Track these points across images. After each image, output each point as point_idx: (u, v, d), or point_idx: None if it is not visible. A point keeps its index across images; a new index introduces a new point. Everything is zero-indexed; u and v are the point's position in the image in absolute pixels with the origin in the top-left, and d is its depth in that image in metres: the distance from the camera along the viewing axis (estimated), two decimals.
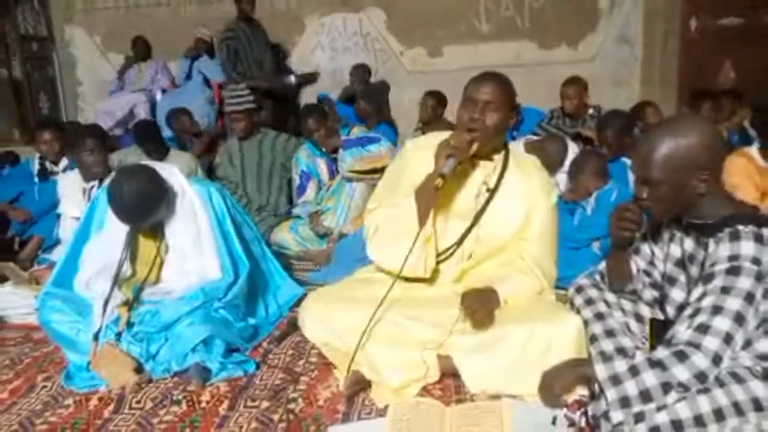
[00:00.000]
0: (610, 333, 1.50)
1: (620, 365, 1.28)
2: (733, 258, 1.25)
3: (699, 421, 1.20)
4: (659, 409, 1.21)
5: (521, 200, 1.71)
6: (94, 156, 2.53)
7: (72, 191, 2.61)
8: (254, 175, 3.35)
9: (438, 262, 1.72)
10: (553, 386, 1.44)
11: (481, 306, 1.57)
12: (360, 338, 1.58)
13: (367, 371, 1.60)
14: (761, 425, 1.21)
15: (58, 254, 2.58)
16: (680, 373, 1.22)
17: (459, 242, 1.71)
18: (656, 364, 1.24)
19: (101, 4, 5.79)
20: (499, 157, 1.74)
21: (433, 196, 1.59)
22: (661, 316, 1.54)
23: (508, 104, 1.67)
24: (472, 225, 1.70)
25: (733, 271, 1.24)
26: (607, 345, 1.48)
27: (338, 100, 5.07)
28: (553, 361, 1.50)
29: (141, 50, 5.38)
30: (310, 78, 4.68)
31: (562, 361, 1.47)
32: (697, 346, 1.22)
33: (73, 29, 5.89)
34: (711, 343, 1.22)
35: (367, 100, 4.00)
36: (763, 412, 1.22)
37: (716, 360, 1.22)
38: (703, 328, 1.23)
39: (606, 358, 1.37)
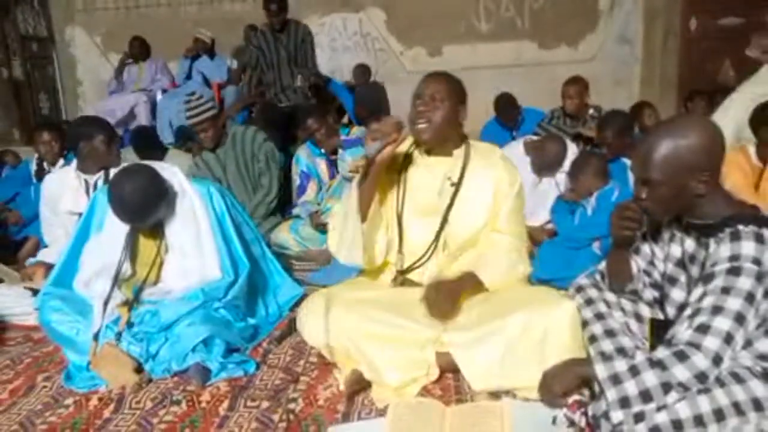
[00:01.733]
0: (610, 333, 1.50)
1: (620, 365, 1.28)
2: (733, 258, 1.25)
3: (699, 421, 1.20)
4: (659, 409, 1.21)
5: (487, 190, 1.74)
6: (105, 144, 2.45)
7: (66, 187, 2.50)
8: (240, 179, 3.24)
9: (419, 261, 1.76)
10: (553, 386, 1.44)
11: (438, 297, 1.61)
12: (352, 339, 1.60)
13: (366, 371, 1.61)
14: (761, 425, 1.21)
15: (44, 255, 2.57)
16: (680, 373, 1.21)
17: (435, 240, 1.73)
18: (656, 364, 1.24)
19: (101, 5, 5.80)
20: (459, 152, 1.77)
21: (367, 181, 1.64)
22: (661, 316, 1.54)
23: (454, 96, 1.70)
24: (444, 220, 1.72)
25: (734, 271, 1.24)
26: (607, 345, 1.48)
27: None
28: (550, 348, 1.51)
29: (138, 50, 5.38)
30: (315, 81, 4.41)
31: (562, 361, 1.47)
32: (697, 347, 1.22)
33: (73, 29, 5.90)
34: (711, 343, 1.22)
35: (361, 104, 3.98)
36: (763, 412, 1.22)
37: (716, 360, 1.21)
38: (704, 329, 1.23)
39: (606, 357, 1.37)
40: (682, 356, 1.23)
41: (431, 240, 1.74)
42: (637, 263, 1.55)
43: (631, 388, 1.24)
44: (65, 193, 2.49)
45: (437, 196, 1.74)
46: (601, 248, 2.36)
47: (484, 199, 1.74)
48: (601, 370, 1.29)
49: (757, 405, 1.22)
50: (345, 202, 1.74)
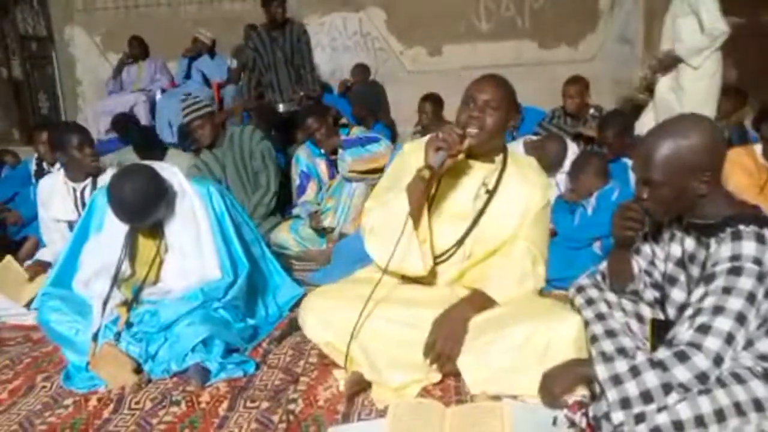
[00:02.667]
0: (610, 333, 1.50)
1: (621, 366, 1.28)
2: (734, 258, 1.25)
3: (700, 421, 1.20)
4: (660, 409, 1.21)
5: (519, 201, 1.71)
6: (87, 151, 2.41)
7: (55, 194, 2.46)
8: (239, 179, 3.23)
9: (438, 263, 1.72)
10: (553, 387, 1.43)
11: (444, 339, 1.57)
12: (351, 335, 1.58)
13: (367, 372, 1.60)
14: (762, 426, 1.21)
15: (43, 255, 2.58)
16: (681, 373, 1.21)
17: (459, 243, 1.71)
18: (657, 365, 1.24)
19: (101, 4, 5.80)
20: (498, 159, 1.75)
21: (422, 189, 1.60)
22: (662, 317, 1.53)
23: (508, 104, 1.67)
24: (472, 226, 1.70)
25: (735, 271, 1.24)
26: (608, 345, 1.48)
27: (337, 95, 5.05)
28: (552, 360, 1.49)
29: (137, 50, 5.37)
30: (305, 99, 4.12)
31: (562, 362, 1.46)
32: (698, 347, 1.22)
33: (72, 29, 5.89)
34: (712, 343, 1.21)
35: (359, 103, 3.96)
36: (764, 413, 1.22)
37: (717, 360, 1.21)
38: (705, 329, 1.23)
39: (607, 358, 1.37)
40: (683, 357, 1.22)
41: (454, 242, 1.71)
42: (638, 263, 1.54)
43: (632, 388, 1.23)
44: (55, 199, 2.45)
45: (472, 200, 1.71)
46: (601, 248, 2.36)
47: (515, 210, 1.71)
48: (601, 371, 1.28)
49: (758, 405, 1.21)
50: (385, 212, 1.67)
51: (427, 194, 1.64)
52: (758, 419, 1.21)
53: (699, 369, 1.21)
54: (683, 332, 1.26)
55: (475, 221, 1.70)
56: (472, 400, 1.54)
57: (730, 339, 1.22)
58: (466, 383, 1.57)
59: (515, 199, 1.71)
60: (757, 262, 1.23)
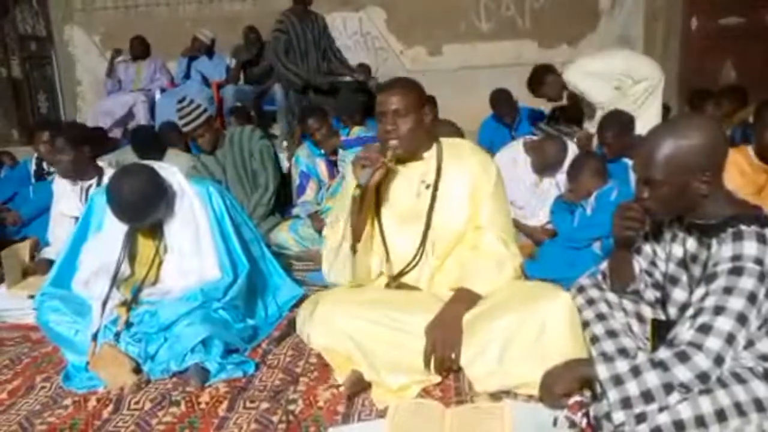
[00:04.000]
0: (611, 333, 1.50)
1: (622, 366, 1.27)
2: (735, 258, 1.25)
3: (701, 421, 1.19)
4: (661, 409, 1.21)
5: (464, 186, 1.74)
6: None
7: (66, 190, 2.60)
8: (238, 179, 3.23)
9: (407, 271, 1.76)
10: (553, 387, 1.43)
11: (443, 344, 1.59)
12: (353, 339, 1.61)
13: (366, 372, 1.60)
14: (763, 426, 1.21)
15: (47, 253, 2.60)
16: (682, 373, 1.21)
17: (420, 245, 1.74)
18: (658, 365, 1.24)
19: (100, 4, 5.79)
20: (430, 153, 1.77)
21: (357, 207, 1.66)
22: (663, 317, 1.53)
23: (416, 105, 1.70)
24: (426, 226, 1.73)
25: (736, 271, 1.24)
26: (609, 346, 1.48)
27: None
28: (549, 340, 1.51)
29: (138, 50, 5.37)
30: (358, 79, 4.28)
31: (562, 362, 1.46)
32: (699, 347, 1.22)
33: (72, 29, 5.89)
34: (713, 343, 1.21)
35: (341, 110, 3.90)
36: (765, 413, 1.22)
37: (718, 360, 1.21)
38: (706, 329, 1.23)
39: (607, 358, 1.36)
40: (683, 357, 1.22)
41: (418, 245, 1.74)
42: (639, 263, 1.54)
43: (632, 388, 1.23)
44: (65, 195, 2.56)
45: (415, 199, 1.74)
46: (602, 248, 2.35)
47: (463, 196, 1.73)
48: (602, 371, 1.28)
49: (759, 405, 1.22)
50: (336, 228, 1.75)
51: (369, 208, 1.70)
52: (759, 419, 1.21)
53: (700, 369, 1.21)
54: (684, 332, 1.25)
55: (428, 221, 1.72)
56: (473, 401, 1.54)
57: (731, 339, 1.21)
58: (469, 382, 1.57)
59: (459, 183, 1.74)
60: (759, 262, 1.23)
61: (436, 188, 1.73)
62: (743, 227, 1.26)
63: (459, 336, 1.59)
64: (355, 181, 1.66)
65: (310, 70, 4.18)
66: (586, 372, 1.38)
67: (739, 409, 1.20)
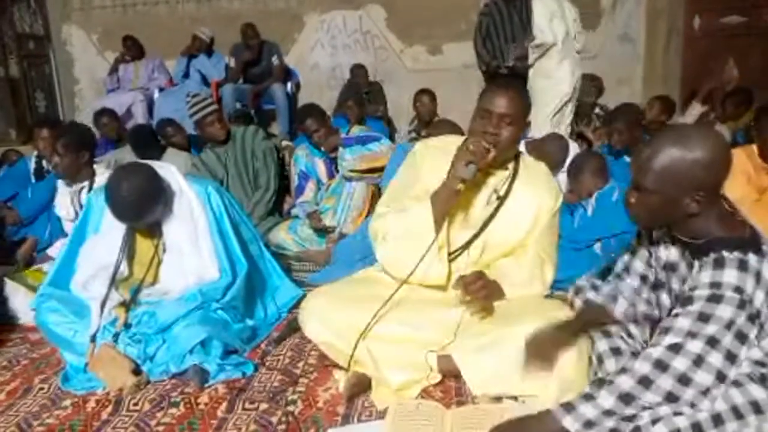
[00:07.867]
0: (606, 333, 1.49)
1: (588, 410, 1.23)
2: (714, 285, 1.21)
3: (698, 428, 1.18)
4: (656, 420, 1.19)
5: (529, 208, 1.70)
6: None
7: (62, 190, 2.66)
8: (239, 178, 3.23)
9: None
10: None
11: (482, 289, 1.57)
12: (359, 337, 1.58)
13: (369, 365, 1.59)
14: (762, 428, 1.20)
15: (56, 250, 2.60)
16: (650, 397, 1.20)
17: (464, 247, 1.70)
18: (610, 385, 1.23)
19: (98, 3, 5.77)
20: (510, 166, 1.73)
21: (450, 202, 1.60)
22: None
23: (523, 116, 1.65)
24: (480, 232, 1.69)
25: (714, 299, 1.20)
26: (603, 345, 1.47)
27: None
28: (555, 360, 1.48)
29: (132, 49, 5.35)
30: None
31: (506, 421, 1.37)
32: (665, 368, 1.20)
33: (70, 28, 5.86)
34: (680, 364, 1.19)
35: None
36: (764, 415, 1.20)
37: (683, 381, 1.19)
38: (676, 348, 1.20)
39: (570, 407, 1.28)
40: (646, 381, 1.20)
41: (458, 247, 1.69)
42: (634, 269, 1.52)
43: (589, 412, 1.22)
44: (61, 194, 2.62)
45: (484, 207, 1.70)
46: (602, 249, 2.34)
47: (525, 217, 1.70)
48: (569, 423, 1.24)
49: (757, 408, 1.20)
50: (404, 221, 1.65)
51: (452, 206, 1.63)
52: (757, 422, 1.19)
53: (664, 390, 1.19)
54: (651, 352, 1.23)
55: (484, 227, 1.68)
56: (473, 402, 1.54)
57: (699, 361, 1.18)
58: (468, 384, 1.56)
59: (525, 205, 1.69)
60: (738, 290, 1.19)
61: (504, 199, 1.69)
62: (725, 254, 1.21)
63: (498, 295, 1.61)
64: (429, 168, 1.63)
65: (509, 49, 4.00)
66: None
67: (737, 413, 1.19)
